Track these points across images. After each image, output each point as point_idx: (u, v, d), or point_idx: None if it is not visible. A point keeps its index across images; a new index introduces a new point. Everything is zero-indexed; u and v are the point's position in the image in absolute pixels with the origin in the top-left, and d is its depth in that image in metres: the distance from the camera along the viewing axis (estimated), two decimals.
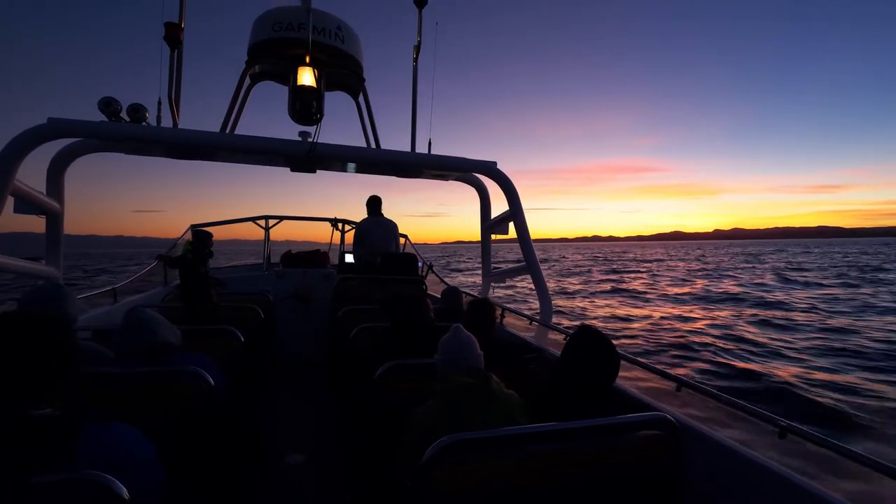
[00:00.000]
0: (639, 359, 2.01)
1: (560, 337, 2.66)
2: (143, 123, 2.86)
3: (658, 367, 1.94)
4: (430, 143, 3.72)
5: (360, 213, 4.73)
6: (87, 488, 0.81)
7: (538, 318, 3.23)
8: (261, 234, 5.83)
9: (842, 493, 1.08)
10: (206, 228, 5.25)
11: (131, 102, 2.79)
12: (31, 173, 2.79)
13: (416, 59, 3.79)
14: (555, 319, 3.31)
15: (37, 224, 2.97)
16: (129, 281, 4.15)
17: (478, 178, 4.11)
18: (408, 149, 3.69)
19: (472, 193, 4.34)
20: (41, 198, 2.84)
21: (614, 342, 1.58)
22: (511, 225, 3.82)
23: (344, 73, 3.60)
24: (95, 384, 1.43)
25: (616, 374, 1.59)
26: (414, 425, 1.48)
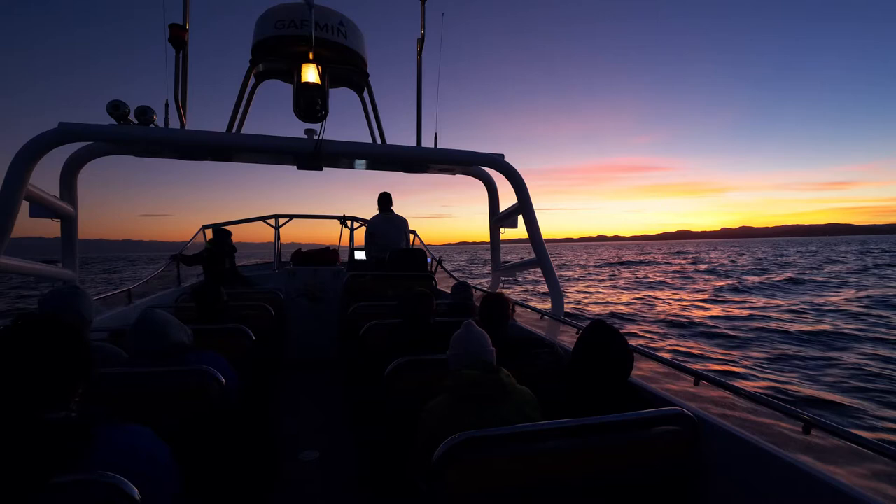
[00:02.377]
0: (655, 352, 1.97)
1: (572, 331, 2.62)
2: (151, 125, 2.88)
3: (675, 360, 1.89)
4: (436, 138, 3.69)
5: (367, 210, 4.73)
6: (99, 489, 0.81)
7: (549, 312, 3.20)
8: (268, 236, 5.87)
9: (873, 492, 1.03)
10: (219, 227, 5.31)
11: (138, 105, 2.81)
12: (44, 179, 2.83)
13: (420, 53, 3.75)
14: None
15: (49, 229, 3.01)
16: (143, 282, 4.21)
17: (485, 172, 4.07)
18: (413, 144, 3.67)
19: (475, 194, 4.34)
20: (55, 201, 2.89)
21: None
22: (520, 218, 3.78)
23: (348, 69, 3.58)
24: (109, 384, 1.45)
25: (630, 369, 1.56)
26: (424, 422, 1.47)
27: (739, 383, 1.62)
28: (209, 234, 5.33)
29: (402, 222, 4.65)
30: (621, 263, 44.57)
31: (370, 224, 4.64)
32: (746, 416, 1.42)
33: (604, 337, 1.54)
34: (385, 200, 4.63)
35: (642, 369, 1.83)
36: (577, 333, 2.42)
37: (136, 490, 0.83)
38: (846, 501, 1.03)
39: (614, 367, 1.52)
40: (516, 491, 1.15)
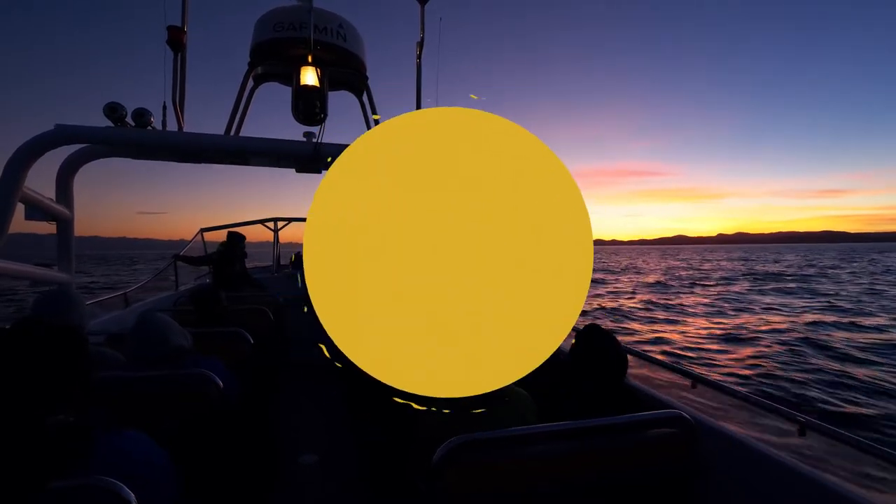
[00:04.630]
0: (653, 355, 1.98)
1: (571, 334, 2.63)
2: (149, 128, 2.87)
3: (672, 363, 1.90)
4: None
5: None
6: (96, 494, 0.81)
7: None
8: (266, 235, 5.85)
9: (867, 492, 1.04)
10: (216, 230, 5.29)
11: (136, 107, 2.80)
12: (40, 180, 2.82)
13: (419, 56, 3.76)
14: None
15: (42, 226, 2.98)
16: (142, 284, 4.19)
17: None
18: None
19: None
20: (51, 205, 2.86)
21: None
22: None
23: (347, 72, 3.59)
24: (107, 389, 1.44)
25: (625, 371, 1.58)
26: (423, 425, 1.47)
27: (736, 386, 1.63)
28: (207, 236, 5.32)
29: None
30: (752, 275, 33.04)
31: None
32: (743, 417, 1.44)
33: (601, 340, 1.56)
34: None
35: (640, 372, 1.84)
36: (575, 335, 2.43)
37: (132, 495, 0.83)
38: (841, 502, 1.04)
39: (612, 370, 1.53)
40: (515, 493, 1.16)
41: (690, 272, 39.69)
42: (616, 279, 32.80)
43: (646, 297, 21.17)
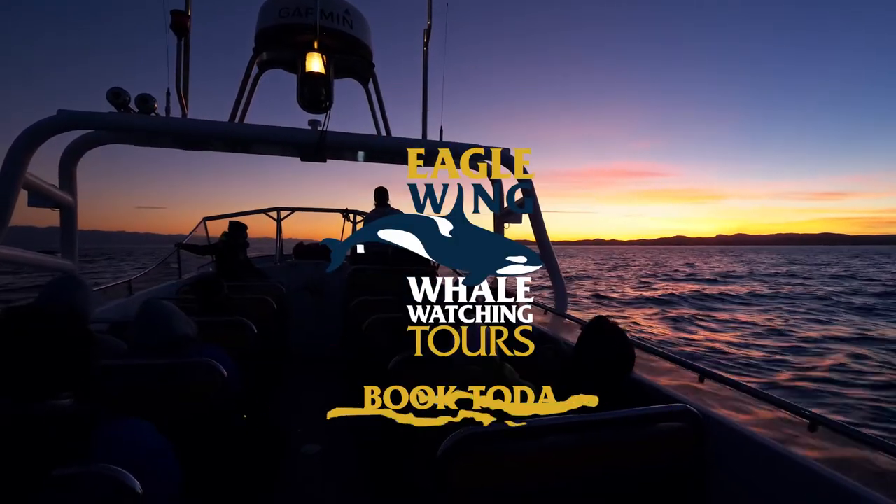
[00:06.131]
0: (660, 348, 1.96)
1: (576, 326, 2.61)
2: (153, 114, 2.84)
3: (680, 357, 1.88)
4: (441, 131, 3.65)
5: (370, 205, 4.70)
6: (101, 482, 0.81)
7: (553, 307, 3.18)
8: (267, 230, 5.82)
9: (880, 491, 1.02)
10: (219, 220, 5.28)
11: (140, 93, 2.77)
12: (44, 169, 2.80)
13: (426, 45, 3.70)
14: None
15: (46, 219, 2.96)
16: (145, 272, 4.19)
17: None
18: (418, 136, 3.63)
19: None
20: (54, 191, 2.85)
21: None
22: (525, 214, 3.75)
23: (353, 59, 3.54)
24: (110, 377, 1.44)
25: (632, 365, 1.57)
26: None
27: (745, 380, 1.61)
28: (210, 226, 5.31)
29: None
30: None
31: (367, 219, 4.63)
32: (752, 413, 1.41)
33: (601, 339, 1.55)
34: (381, 195, 4.61)
35: (647, 365, 1.82)
36: (580, 328, 2.41)
37: (137, 483, 0.83)
38: (851, 499, 1.03)
39: (612, 370, 1.53)
40: (520, 486, 1.15)
41: (800, 284, 27.52)
42: (727, 292, 22.11)
43: (846, 325, 12.83)
